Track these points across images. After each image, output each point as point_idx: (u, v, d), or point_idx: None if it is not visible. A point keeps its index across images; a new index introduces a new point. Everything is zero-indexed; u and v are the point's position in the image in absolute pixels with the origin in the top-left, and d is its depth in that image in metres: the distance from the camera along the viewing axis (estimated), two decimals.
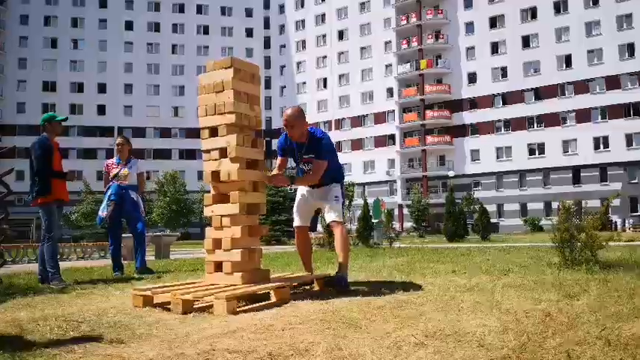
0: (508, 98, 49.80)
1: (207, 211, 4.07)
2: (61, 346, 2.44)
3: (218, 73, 4.07)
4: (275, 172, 4.44)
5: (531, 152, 48.53)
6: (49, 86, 60.13)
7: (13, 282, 5.34)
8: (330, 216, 4.32)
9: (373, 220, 16.25)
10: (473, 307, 3.13)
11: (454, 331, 2.45)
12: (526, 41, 49.26)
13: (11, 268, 7.69)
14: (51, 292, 4.84)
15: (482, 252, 9.08)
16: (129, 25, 62.68)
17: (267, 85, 62.87)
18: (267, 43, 66.59)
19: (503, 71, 50.32)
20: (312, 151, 4.27)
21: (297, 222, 4.54)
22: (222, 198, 4.03)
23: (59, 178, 5.59)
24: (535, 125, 48.57)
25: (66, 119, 5.92)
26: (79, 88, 60.97)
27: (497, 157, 50.18)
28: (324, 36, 62.30)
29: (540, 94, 48.19)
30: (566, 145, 46.87)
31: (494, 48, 50.95)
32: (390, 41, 56.94)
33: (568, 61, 47.13)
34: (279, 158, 4.53)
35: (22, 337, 2.70)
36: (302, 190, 4.54)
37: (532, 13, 49.20)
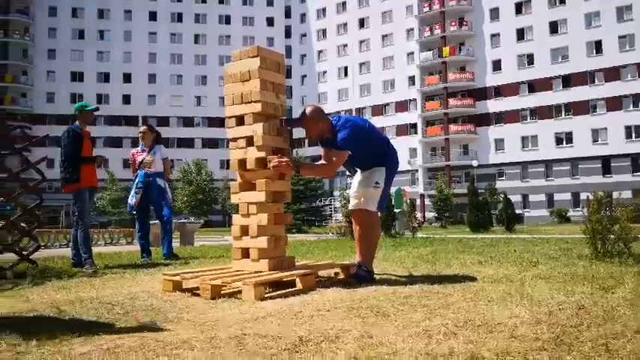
0: (535, 86, 48.82)
1: (234, 199, 4.11)
2: (99, 327, 2.50)
3: (244, 63, 4.07)
4: (321, 161, 4.37)
5: (559, 141, 47.61)
6: (77, 76, 61.17)
7: (48, 265, 5.49)
8: (364, 202, 4.19)
9: (395, 210, 16.18)
10: (502, 298, 3.10)
11: (485, 322, 2.43)
12: (554, 27, 48.14)
13: (45, 253, 7.88)
14: (84, 275, 4.97)
15: (508, 243, 8.98)
16: (153, 16, 63.27)
17: (288, 75, 62.76)
18: (287, 32, 66.51)
19: (530, 58, 49.31)
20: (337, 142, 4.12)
21: (350, 205, 4.40)
22: (248, 186, 4.06)
23: (89, 162, 5.70)
24: (563, 113, 47.58)
25: (97, 109, 6.03)
26: (105, 78, 61.91)
27: (523, 147, 49.35)
28: (345, 24, 61.88)
29: (569, 81, 47.12)
30: (595, 134, 45.81)
31: (520, 34, 49.93)
32: (413, 29, 56.28)
33: (598, 47, 45.94)
34: (322, 149, 4.33)
35: (60, 317, 2.78)
36: (357, 174, 4.42)
37: None
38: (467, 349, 1.97)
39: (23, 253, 5.41)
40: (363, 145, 4.15)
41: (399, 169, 4.57)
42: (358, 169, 4.45)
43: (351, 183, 4.62)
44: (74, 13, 61.75)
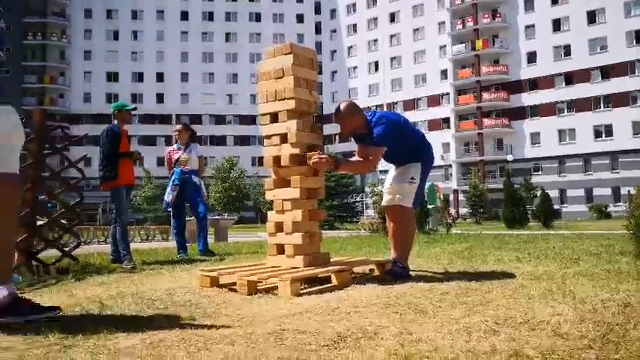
0: (572, 78, 47.49)
1: (268, 195, 4.13)
2: (141, 322, 2.55)
3: (277, 60, 4.09)
4: (355, 158, 4.37)
5: (597, 134, 46.23)
6: (112, 77, 62.67)
7: (89, 261, 5.64)
8: (399, 198, 4.17)
9: (429, 206, 16.01)
10: (543, 295, 3.02)
11: (526, 319, 2.38)
12: (592, 17, 46.71)
13: (84, 249, 8.11)
14: (123, 271, 5.10)
15: (546, 239, 8.77)
16: (184, 16, 64.25)
17: (319, 71, 62.73)
18: (317, 29, 66.54)
19: (567, 49, 47.98)
20: (373, 137, 4.08)
21: (384, 201, 4.38)
22: (283, 183, 4.08)
23: (126, 157, 5.83)
24: (602, 106, 46.16)
25: (135, 109, 6.17)
26: (139, 77, 63.22)
27: (560, 140, 48.13)
28: (375, 19, 61.49)
29: (608, 72, 45.66)
30: (636, 126, 44.27)
31: (557, 25, 48.63)
32: (444, 22, 55.51)
33: (638, 36, 44.35)
34: (357, 146, 4.36)
35: (103, 312, 2.85)
36: (391, 170, 4.41)
37: None
38: (509, 346, 1.94)
39: (65, 249, 5.58)
40: (399, 141, 4.11)
41: (432, 165, 4.52)
42: (392, 165, 4.42)
43: (383, 179, 4.60)
44: (109, 14, 63.23)
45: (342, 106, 4.13)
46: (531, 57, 50.00)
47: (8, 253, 2.70)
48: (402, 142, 4.14)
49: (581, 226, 20.94)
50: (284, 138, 4.01)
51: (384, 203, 4.41)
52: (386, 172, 4.68)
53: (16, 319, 2.47)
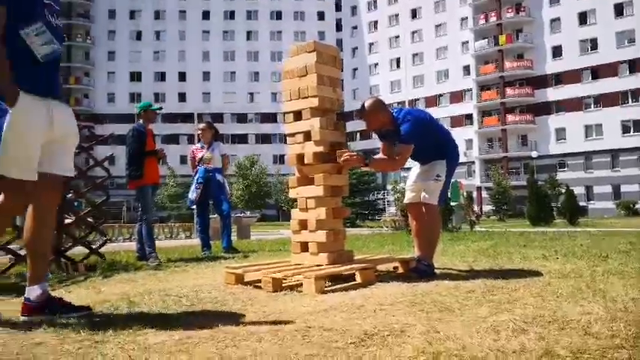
0: (598, 72, 46.44)
1: (292, 193, 4.15)
2: (168, 318, 2.59)
3: (301, 58, 4.09)
4: (379, 156, 4.38)
5: (625, 130, 45.14)
6: (135, 76, 63.53)
7: (115, 259, 5.74)
8: (422, 195, 4.17)
9: (452, 203, 15.85)
10: (572, 293, 2.98)
11: (555, 318, 2.34)
12: (619, 9, 45.60)
13: (110, 246, 8.25)
14: (149, 268, 5.18)
15: (573, 236, 8.62)
16: (206, 15, 64.76)
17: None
18: (338, 26, 66.41)
19: (593, 43, 46.92)
20: (399, 135, 4.07)
21: (406, 199, 4.40)
22: (306, 180, 4.08)
23: (151, 156, 5.91)
24: (630, 100, 45.05)
25: (160, 108, 6.26)
26: (162, 77, 63.97)
27: (586, 136, 47.13)
28: (396, 15, 61.07)
29: (635, 66, 44.54)
30: None
31: (583, 18, 47.59)
32: (467, 17, 54.84)
33: None
34: (381, 143, 4.38)
35: (131, 309, 2.90)
36: (414, 168, 4.42)
37: None
38: (539, 345, 1.91)
39: (92, 246, 5.68)
40: (425, 138, 4.09)
41: None
42: (416, 163, 4.40)
43: (405, 177, 4.59)
44: (132, 15, 64.07)
45: (367, 103, 4.12)
46: (556, 51, 49.06)
47: (46, 253, 2.75)
48: (427, 139, 4.12)
49: (609, 223, 20.50)
50: (307, 136, 4.02)
51: (406, 200, 4.41)
52: (408, 169, 4.66)
53: (48, 318, 2.52)
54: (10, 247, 4.90)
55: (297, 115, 4.11)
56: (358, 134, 59.13)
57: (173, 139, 60.13)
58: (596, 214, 39.59)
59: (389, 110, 4.16)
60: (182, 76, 64.14)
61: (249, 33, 65.19)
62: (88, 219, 5.91)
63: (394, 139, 4.18)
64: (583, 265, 4.32)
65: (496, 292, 3.10)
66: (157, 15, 64.55)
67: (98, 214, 6.30)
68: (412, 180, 4.38)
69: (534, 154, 44.90)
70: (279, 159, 60.15)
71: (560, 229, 13.01)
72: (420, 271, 3.99)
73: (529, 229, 13.91)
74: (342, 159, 3.91)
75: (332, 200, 4.02)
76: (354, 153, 3.93)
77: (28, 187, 2.52)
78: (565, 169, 47.43)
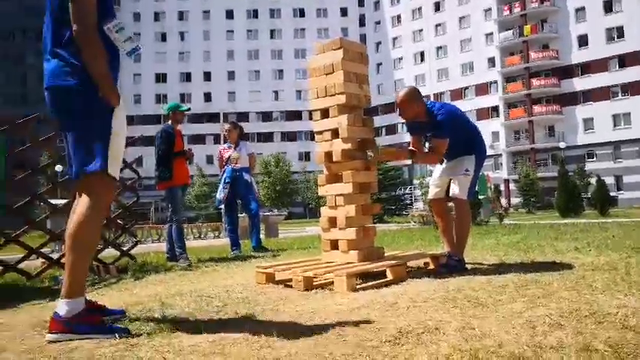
0: (626, 60, 45.20)
1: (321, 191, 4.16)
2: (202, 319, 2.64)
3: (327, 55, 4.10)
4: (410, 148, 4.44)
5: None
6: (161, 78, 64.43)
7: (146, 260, 5.84)
8: (452, 190, 4.18)
9: (479, 197, 15.66)
10: (607, 286, 2.92)
11: (592, 312, 2.31)
12: None
13: (140, 248, 8.40)
14: (179, 269, 5.25)
15: (605, 228, 8.43)
16: (229, 14, 65.25)
17: None
18: (362, 21, 66.16)
19: (620, 31, 45.71)
20: (433, 128, 4.09)
21: (430, 194, 4.43)
22: (335, 178, 4.09)
23: (180, 156, 5.99)
24: None
25: (189, 109, 6.34)
26: (187, 77, 64.75)
27: (615, 126, 45.99)
28: (419, 9, 60.51)
29: None
30: None
31: (608, 6, 46.40)
32: (490, 8, 54.00)
33: None
34: (411, 137, 4.45)
35: (164, 310, 2.95)
36: (440, 164, 4.42)
37: None
38: (577, 340, 1.89)
39: (123, 248, 5.79)
40: (457, 133, 4.11)
41: None
42: (444, 159, 4.37)
43: (431, 171, 4.59)
44: (156, 17, 64.94)
45: (403, 92, 4.12)
46: (582, 40, 47.94)
47: (88, 260, 2.53)
48: (459, 134, 4.13)
49: (639, 213, 20.00)
50: (335, 133, 4.03)
51: (431, 196, 4.41)
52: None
53: (92, 334, 2.31)
54: (42, 250, 5.03)
55: (325, 113, 4.12)
56: (384, 129, 58.82)
57: (199, 139, 60.80)
58: (627, 204, 38.61)
59: (424, 102, 4.14)
60: (207, 76, 64.81)
61: (272, 31, 65.46)
62: (118, 221, 6.02)
63: (424, 133, 4.22)
64: (616, 257, 4.23)
65: (530, 286, 3.07)
66: (181, 16, 65.31)
67: (128, 215, 6.42)
68: (437, 175, 4.38)
69: (562, 144, 43.97)
70: (305, 156, 60.30)
71: (591, 220, 12.74)
72: (450, 266, 3.97)
73: (559, 221, 13.66)
74: (386, 156, 4.17)
75: (361, 197, 4.02)
76: (401, 149, 4.20)
77: (113, 186, 2.54)
78: (594, 159, 46.38)
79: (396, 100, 4.12)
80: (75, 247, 2.37)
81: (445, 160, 4.35)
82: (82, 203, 2.42)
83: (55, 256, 5.32)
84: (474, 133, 4.32)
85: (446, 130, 4.03)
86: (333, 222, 4.02)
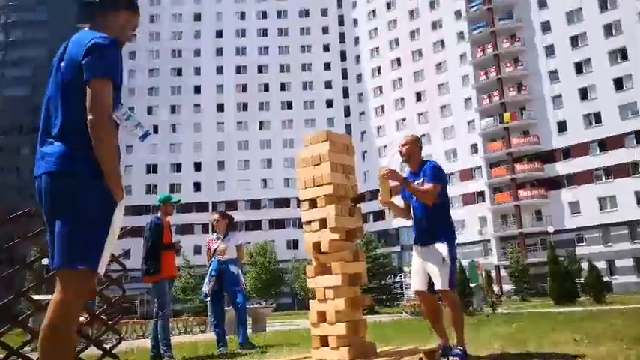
0: (607, 145, 46.82)
1: (310, 284, 4.07)
2: None
3: (315, 147, 4.18)
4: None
5: None
6: (152, 169, 65.22)
7: (128, 358, 5.54)
8: (437, 282, 4.14)
9: (471, 284, 15.46)
10: None
11: None
12: (618, 83, 46.79)
13: (124, 345, 8.01)
14: None
15: (602, 316, 8.26)
16: (220, 107, 67.64)
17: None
18: (347, 112, 68.75)
19: (597, 117, 47.74)
20: (423, 176, 4.33)
21: (413, 286, 4.41)
22: (324, 269, 4.02)
23: (168, 249, 5.88)
24: None
25: (179, 201, 6.33)
26: (177, 168, 65.63)
27: (601, 209, 46.61)
28: (402, 99, 63.11)
29: None
30: None
31: (584, 93, 48.77)
32: (470, 97, 56.48)
33: None
34: (402, 201, 4.65)
35: None
36: (415, 249, 4.44)
37: (622, 54, 46.93)
38: None
39: (106, 346, 5.49)
40: (442, 195, 4.30)
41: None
42: (419, 247, 4.35)
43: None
44: (149, 110, 66.80)
45: (412, 135, 4.58)
46: (561, 126, 49.85)
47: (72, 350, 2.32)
48: (443, 198, 4.34)
49: (636, 299, 19.72)
50: (323, 223, 4.02)
51: (414, 288, 4.39)
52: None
53: None
54: (23, 351, 4.76)
55: (313, 203, 4.13)
56: (372, 215, 59.13)
57: (188, 229, 60.42)
58: (621, 289, 38.28)
59: (421, 152, 4.51)
60: (197, 167, 65.76)
61: (261, 123, 67.49)
62: (102, 316, 5.77)
63: (413, 184, 4.42)
64: (616, 349, 4.09)
65: None
66: (173, 109, 67.40)
67: (113, 311, 6.17)
68: (416, 266, 4.39)
69: (550, 229, 44.29)
70: (293, 244, 59.87)
71: (587, 308, 12.52)
72: (458, 355, 3.86)
73: (553, 309, 13.40)
74: (381, 174, 4.24)
75: (350, 289, 3.93)
76: (395, 170, 4.30)
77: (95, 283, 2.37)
78: (583, 243, 46.51)
79: (405, 138, 4.48)
80: (50, 349, 2.17)
81: (419, 249, 4.32)
82: (59, 299, 2.24)
83: (34, 356, 5.03)
84: (450, 219, 4.43)
85: (438, 178, 4.25)
86: (322, 316, 3.89)
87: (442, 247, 4.21)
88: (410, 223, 4.55)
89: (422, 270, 4.32)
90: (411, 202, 4.46)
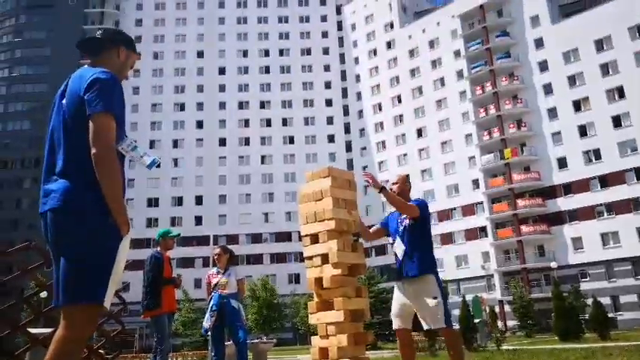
0: (607, 180, 46.91)
1: (312, 320, 4.05)
2: None
3: (317, 183, 4.23)
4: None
5: None
6: (153, 202, 65.22)
7: None
8: (434, 321, 4.08)
9: (475, 320, 15.27)
10: None
11: None
12: (617, 121, 47.24)
13: None
14: None
15: (608, 353, 8.13)
16: (222, 142, 68.14)
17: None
18: (348, 147, 69.15)
19: (596, 153, 48.02)
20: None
21: (395, 324, 4.31)
22: (326, 305, 4.00)
23: (168, 284, 5.86)
24: None
25: (179, 235, 6.34)
26: (179, 201, 65.66)
27: (604, 244, 46.34)
28: (403, 135, 63.55)
29: None
30: None
31: (583, 131, 49.18)
32: (471, 134, 56.89)
33: None
34: (377, 225, 4.90)
35: None
36: (397, 287, 4.39)
37: (619, 92, 47.54)
38: None
39: None
40: (425, 224, 4.48)
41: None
42: (405, 284, 4.32)
43: None
44: (151, 144, 67.28)
45: (404, 174, 5.00)
46: (562, 162, 50.08)
47: None
48: (427, 227, 4.50)
49: None
50: (325, 258, 4.02)
51: (396, 326, 4.33)
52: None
53: None
54: None
55: (315, 238, 4.14)
56: (373, 250, 58.79)
57: (189, 262, 60.02)
58: (626, 325, 37.66)
59: (409, 189, 4.77)
60: (199, 200, 65.78)
61: (263, 157, 67.89)
62: (100, 351, 5.71)
63: (391, 232, 4.64)
64: None
65: None
66: (175, 144, 67.93)
67: (112, 346, 6.11)
68: (399, 305, 4.32)
69: (553, 264, 43.88)
70: (295, 278, 59.32)
71: (593, 345, 12.31)
72: None
73: (559, 346, 13.18)
74: (364, 176, 4.48)
75: (353, 326, 3.91)
76: (373, 177, 4.48)
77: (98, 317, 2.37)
78: (587, 279, 46.04)
79: (396, 177, 4.86)
80: None
81: (403, 284, 4.30)
82: (63, 334, 2.23)
83: None
84: (432, 252, 4.46)
85: (421, 204, 4.53)
86: (324, 353, 3.86)
87: (432, 281, 4.18)
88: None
89: (406, 307, 4.27)
90: (397, 236, 4.46)
